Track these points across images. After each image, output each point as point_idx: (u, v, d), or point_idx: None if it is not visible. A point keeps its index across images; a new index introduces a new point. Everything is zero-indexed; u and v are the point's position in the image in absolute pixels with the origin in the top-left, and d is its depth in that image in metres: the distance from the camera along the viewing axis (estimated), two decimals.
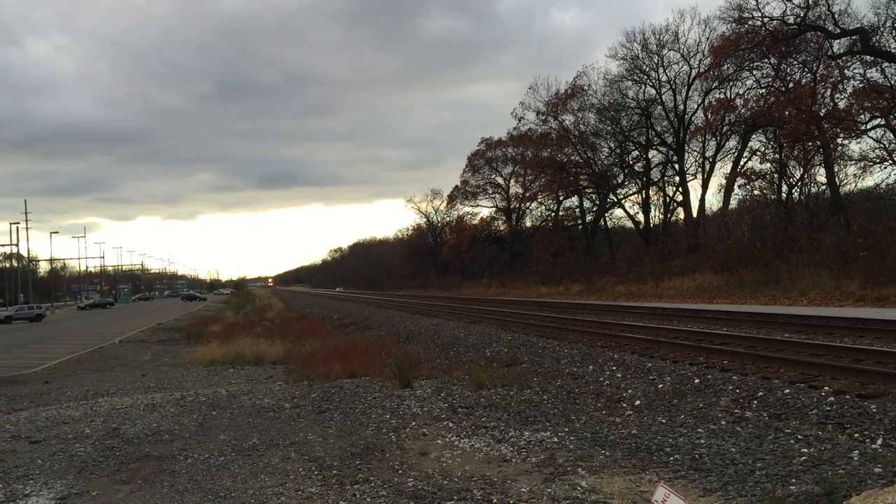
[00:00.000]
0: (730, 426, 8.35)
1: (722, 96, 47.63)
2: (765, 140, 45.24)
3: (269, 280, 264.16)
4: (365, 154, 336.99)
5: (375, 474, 6.98)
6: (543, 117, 60.58)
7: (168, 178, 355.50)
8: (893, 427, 7.68)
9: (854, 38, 36.11)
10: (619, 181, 59.01)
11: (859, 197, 40.10)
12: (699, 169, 51.31)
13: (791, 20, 37.49)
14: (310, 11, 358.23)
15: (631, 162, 57.17)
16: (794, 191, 43.82)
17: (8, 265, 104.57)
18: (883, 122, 36.59)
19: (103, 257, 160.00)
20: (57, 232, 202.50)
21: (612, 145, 57.36)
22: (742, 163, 47.20)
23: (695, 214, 50.62)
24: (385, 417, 9.79)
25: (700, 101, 49.51)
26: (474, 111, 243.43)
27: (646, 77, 51.19)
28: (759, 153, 45.99)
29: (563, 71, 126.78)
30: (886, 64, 35.48)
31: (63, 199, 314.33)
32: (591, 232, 63.90)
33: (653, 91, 51.34)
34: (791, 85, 40.90)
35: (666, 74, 50.35)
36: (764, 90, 43.48)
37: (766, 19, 38.15)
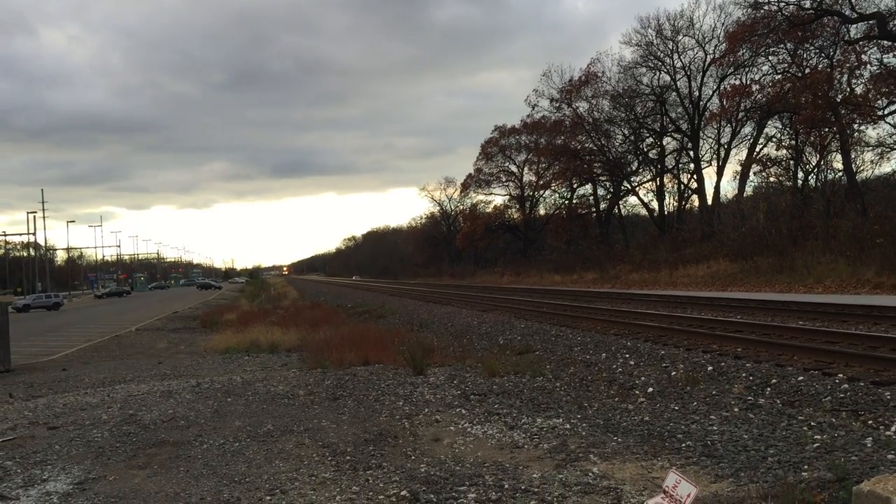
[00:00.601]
0: (742, 413, 8.34)
1: (737, 82, 47.27)
2: (780, 126, 44.92)
3: (284, 269, 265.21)
4: (378, 142, 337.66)
5: (388, 460, 7.03)
6: (557, 104, 60.37)
7: (182, 166, 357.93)
8: None
9: (871, 22, 35.71)
10: (634, 168, 58.77)
11: (876, 183, 39.73)
12: (714, 156, 51.07)
13: (807, 4, 37.15)
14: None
15: (645, 149, 56.90)
16: (810, 177, 43.49)
17: (25, 254, 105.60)
18: None
19: (119, 246, 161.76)
20: (73, 221, 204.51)
21: (626, 132, 57.14)
22: (757, 149, 46.88)
23: (709, 202, 50.33)
24: (398, 404, 9.84)
25: (715, 87, 49.21)
26: (486, 99, 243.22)
27: (660, 63, 50.87)
28: (774, 140, 45.68)
29: (575, 58, 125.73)
30: None
31: (79, 188, 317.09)
32: (605, 220, 63.71)
33: (667, 77, 51.07)
34: (807, 70, 40.52)
35: (681, 60, 50.06)
36: (780, 76, 43.16)
37: (782, 4, 37.83)
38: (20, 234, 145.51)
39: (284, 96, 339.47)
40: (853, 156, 39.18)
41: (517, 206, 78.05)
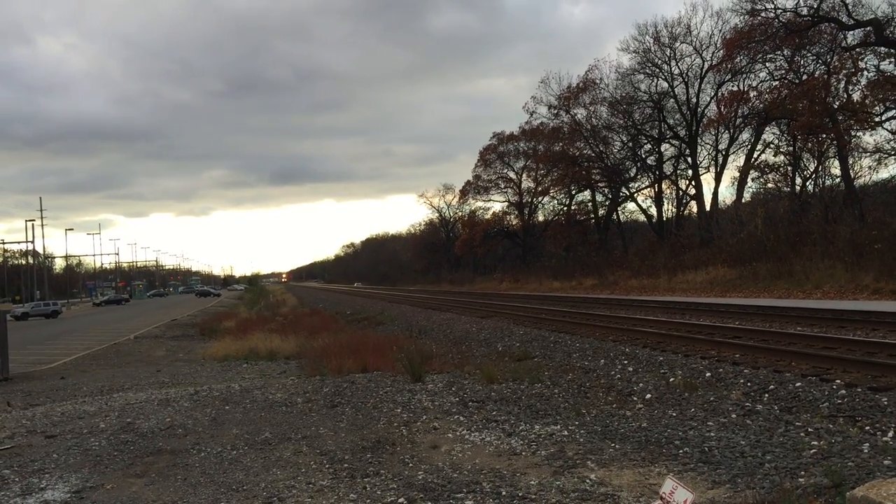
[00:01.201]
0: (740, 419, 8.35)
1: (735, 89, 47.38)
2: (778, 132, 44.98)
3: (284, 276, 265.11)
4: (376, 149, 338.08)
5: (386, 467, 7.04)
6: (555, 111, 60.44)
7: (180, 174, 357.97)
8: None
9: (868, 29, 35.80)
10: (632, 175, 58.80)
11: (874, 189, 39.79)
12: (712, 162, 51.09)
13: (804, 11, 37.22)
14: (318, 7, 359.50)
15: (643, 155, 56.94)
16: (808, 183, 43.54)
17: (24, 262, 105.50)
18: None
19: (118, 254, 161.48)
20: (72, 229, 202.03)
21: (624, 139, 57.18)
22: (755, 155, 46.92)
23: (708, 208, 50.37)
24: (396, 411, 9.85)
25: (713, 93, 49.26)
26: (484, 106, 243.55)
27: (658, 70, 50.93)
28: (772, 146, 45.75)
29: (572, 65, 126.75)
30: None
31: (77, 196, 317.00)
32: (604, 226, 63.74)
33: (665, 84, 51.11)
34: (804, 77, 40.59)
35: (678, 67, 50.12)
36: (777, 82, 43.23)
37: (779, 11, 37.90)
38: (19, 243, 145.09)
39: (283, 104, 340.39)
40: (851, 162, 39.26)
41: (516, 213, 78.08)
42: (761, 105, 44.50)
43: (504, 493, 6.04)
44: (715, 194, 50.78)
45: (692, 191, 52.90)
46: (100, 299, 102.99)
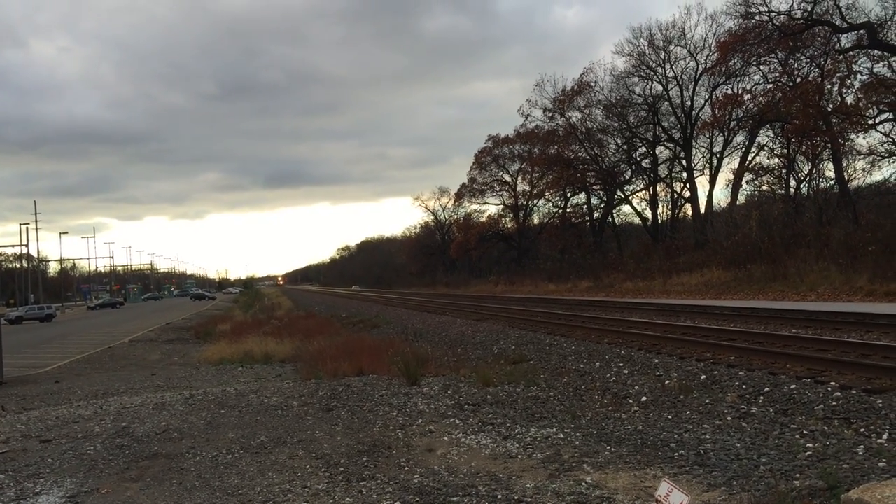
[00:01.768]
0: (735, 422, 8.37)
1: (729, 91, 47.58)
2: (772, 135, 45.14)
3: (279, 279, 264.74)
4: (371, 152, 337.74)
5: (382, 471, 7.03)
6: (550, 114, 60.59)
7: (175, 177, 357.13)
8: None
9: (861, 32, 35.96)
10: (627, 177, 58.94)
11: (868, 192, 39.93)
12: (707, 165, 51.27)
13: (798, 15, 37.37)
14: (312, 10, 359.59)
15: (638, 158, 57.10)
16: (802, 186, 43.68)
17: (18, 266, 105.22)
18: (891, 117, 36.47)
19: (112, 257, 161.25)
20: (66, 232, 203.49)
21: (619, 142, 57.33)
22: (750, 158, 47.11)
23: (702, 210, 50.52)
24: (392, 415, 9.84)
25: (707, 96, 49.47)
26: (479, 109, 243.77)
27: (652, 73, 51.11)
28: (766, 148, 45.95)
29: (566, 68, 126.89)
30: (894, 58, 35.32)
31: (71, 199, 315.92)
32: (599, 228, 63.84)
33: (660, 87, 51.31)
34: (798, 80, 40.76)
35: (673, 70, 50.31)
36: (771, 85, 43.44)
37: (772, 14, 38.08)
38: (13, 246, 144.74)
39: (277, 107, 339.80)
40: (844, 164, 39.41)
41: (511, 216, 78.17)
42: (755, 108, 44.69)
43: (500, 496, 6.05)
44: (710, 197, 51.04)
45: (687, 193, 53.07)
46: (94, 303, 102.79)
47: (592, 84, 55.91)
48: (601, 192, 62.42)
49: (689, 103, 50.00)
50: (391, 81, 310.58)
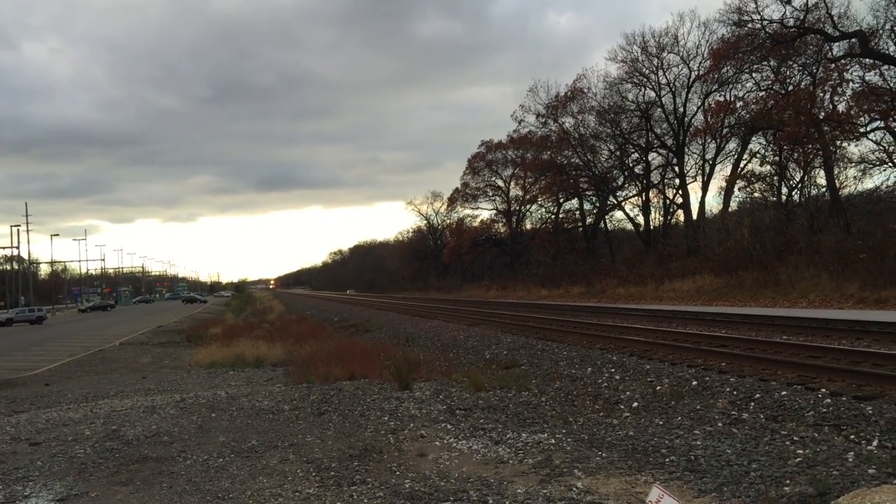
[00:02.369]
0: (726, 428, 8.39)
1: (721, 99, 47.77)
2: (764, 142, 45.33)
3: (271, 283, 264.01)
4: (363, 156, 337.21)
5: (373, 476, 7.02)
6: (543, 120, 60.78)
7: (166, 180, 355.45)
8: (889, 429, 7.70)
9: (853, 40, 36.16)
10: (619, 183, 59.12)
11: (859, 199, 40.12)
12: (699, 171, 51.42)
13: (790, 23, 37.59)
14: (304, 14, 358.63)
15: (631, 164, 57.26)
16: (793, 193, 43.91)
17: (9, 268, 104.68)
18: (882, 125, 36.66)
19: (104, 260, 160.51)
20: (58, 234, 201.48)
21: (612, 148, 57.48)
22: (742, 165, 47.28)
23: (695, 217, 50.67)
24: (383, 419, 9.83)
25: (700, 103, 49.60)
26: (471, 114, 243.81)
27: (645, 80, 51.28)
28: (758, 155, 46.08)
29: (559, 73, 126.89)
30: (885, 66, 35.53)
31: (62, 201, 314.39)
32: (591, 234, 63.96)
33: (652, 93, 51.46)
34: (790, 87, 40.95)
35: (666, 77, 50.46)
36: (763, 93, 43.59)
37: (765, 22, 38.26)
38: (3, 248, 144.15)
39: (269, 110, 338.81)
40: (836, 172, 39.58)
41: (504, 221, 78.27)
42: (748, 115, 44.87)
43: (491, 501, 6.05)
44: (702, 203, 51.14)
45: (679, 200, 53.24)
46: (85, 305, 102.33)
47: (585, 90, 56.17)
48: (594, 198, 62.61)
49: (681, 110, 50.18)
50: (384, 86, 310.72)
